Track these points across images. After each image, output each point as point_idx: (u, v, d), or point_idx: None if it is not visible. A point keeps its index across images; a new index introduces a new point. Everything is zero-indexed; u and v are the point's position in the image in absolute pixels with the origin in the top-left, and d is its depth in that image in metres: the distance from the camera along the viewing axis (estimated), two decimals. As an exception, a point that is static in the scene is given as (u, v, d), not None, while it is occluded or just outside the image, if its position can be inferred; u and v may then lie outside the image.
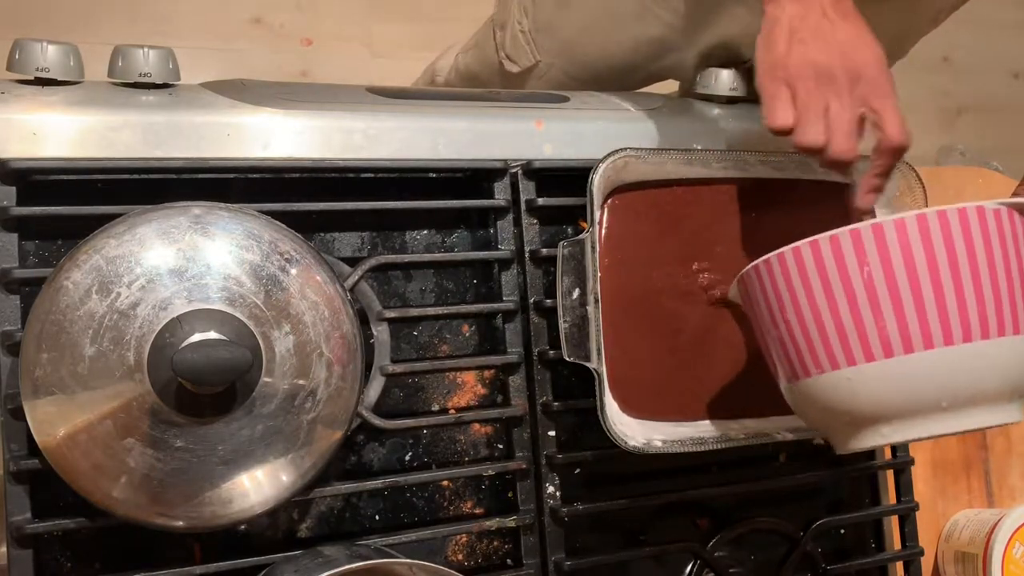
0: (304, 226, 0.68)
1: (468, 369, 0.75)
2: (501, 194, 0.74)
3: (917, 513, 0.87)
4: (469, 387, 0.75)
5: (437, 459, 0.74)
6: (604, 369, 0.71)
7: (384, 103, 0.75)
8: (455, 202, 0.75)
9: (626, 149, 0.73)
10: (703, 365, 0.79)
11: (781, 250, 0.66)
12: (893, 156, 0.71)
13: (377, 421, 0.69)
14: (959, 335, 0.62)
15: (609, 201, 0.76)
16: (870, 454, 0.86)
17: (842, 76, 0.69)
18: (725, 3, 0.88)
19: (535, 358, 0.74)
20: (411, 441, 0.73)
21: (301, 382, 0.62)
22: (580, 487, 0.77)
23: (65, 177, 0.65)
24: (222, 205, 0.63)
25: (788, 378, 0.69)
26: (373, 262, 0.70)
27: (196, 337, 0.58)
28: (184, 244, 0.60)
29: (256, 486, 0.62)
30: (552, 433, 0.75)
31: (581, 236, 0.72)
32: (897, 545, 0.88)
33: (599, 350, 0.70)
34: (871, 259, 0.62)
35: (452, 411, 0.74)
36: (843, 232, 0.63)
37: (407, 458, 0.73)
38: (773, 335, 0.68)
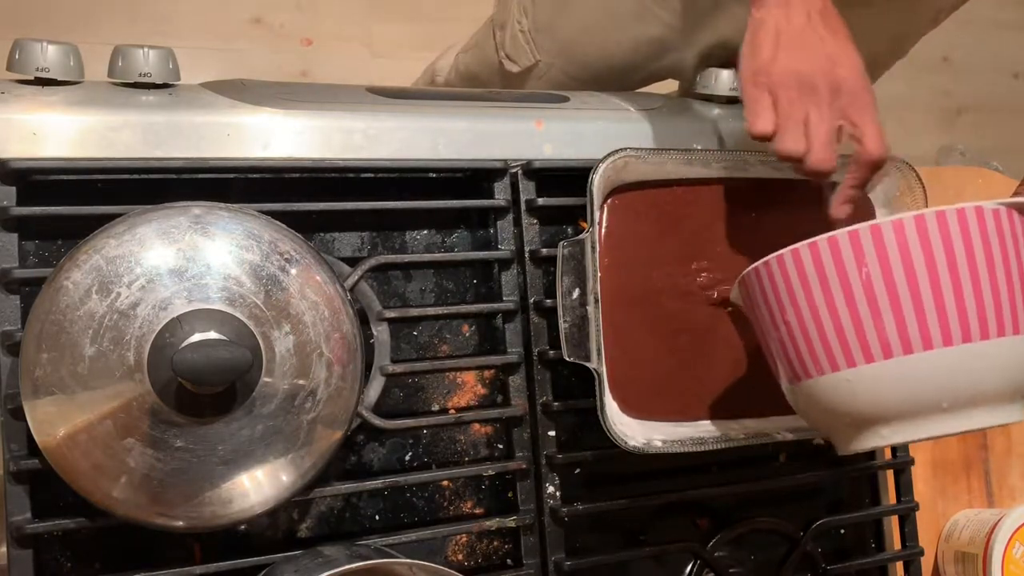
0: (304, 226, 0.68)
1: (468, 369, 0.75)
2: (501, 194, 0.74)
3: (917, 513, 0.87)
4: (469, 387, 0.75)
5: (437, 459, 0.74)
6: (604, 369, 0.71)
7: (384, 103, 0.75)
8: (455, 202, 0.75)
9: (626, 149, 0.73)
10: (703, 365, 0.79)
11: (780, 252, 0.66)
12: (870, 169, 0.72)
13: (377, 421, 0.69)
14: (958, 336, 0.62)
15: (609, 201, 0.76)
16: (870, 454, 0.86)
17: (824, 87, 0.70)
18: (724, 3, 0.88)
19: (535, 358, 0.74)
20: (411, 441, 0.73)
21: (301, 382, 0.62)
22: (580, 487, 0.77)
23: (65, 177, 0.65)
24: (222, 205, 0.63)
25: (789, 379, 0.69)
26: (373, 262, 0.70)
27: (196, 337, 0.58)
28: (184, 244, 0.60)
29: (256, 486, 0.62)
30: (552, 433, 0.75)
31: (581, 236, 0.72)
32: (897, 545, 0.88)
33: (599, 350, 0.70)
34: (869, 260, 0.62)
35: (452, 411, 0.74)
36: (841, 234, 0.63)
37: (407, 458, 0.73)
38: (774, 337, 0.68)
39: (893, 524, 0.88)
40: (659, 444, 0.73)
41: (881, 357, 0.63)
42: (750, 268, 0.69)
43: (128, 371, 0.58)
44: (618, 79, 0.99)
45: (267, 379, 0.61)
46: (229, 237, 0.61)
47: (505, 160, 0.75)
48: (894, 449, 0.87)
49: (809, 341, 0.65)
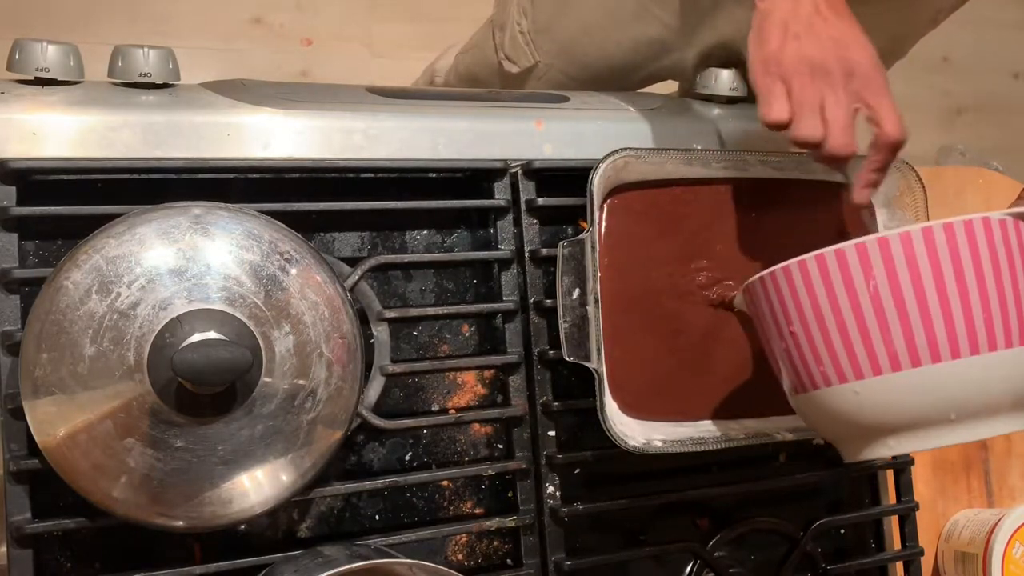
0: (304, 226, 0.68)
1: (468, 369, 0.75)
2: (501, 194, 0.74)
3: (917, 513, 0.87)
4: (469, 387, 0.75)
5: (437, 459, 0.74)
6: (604, 369, 0.71)
7: (384, 103, 0.75)
8: (455, 202, 0.75)
9: (626, 149, 0.73)
10: (703, 365, 0.79)
11: (786, 263, 0.65)
12: (890, 151, 0.71)
13: (377, 421, 0.69)
14: (966, 348, 0.61)
15: (609, 201, 0.76)
16: (870, 454, 0.86)
17: (837, 71, 0.69)
18: (723, 3, 0.88)
19: (535, 358, 0.74)
20: (411, 441, 0.73)
21: (301, 382, 0.62)
22: (580, 487, 0.77)
23: (65, 177, 0.65)
24: (222, 205, 0.63)
25: (795, 389, 0.68)
26: (373, 262, 0.70)
27: (196, 337, 0.58)
28: (184, 244, 0.60)
29: (256, 486, 0.62)
30: (552, 433, 0.75)
31: (581, 236, 0.72)
32: (897, 545, 0.88)
33: (599, 350, 0.70)
34: (877, 273, 0.62)
35: (452, 411, 0.74)
36: (848, 246, 0.63)
37: (407, 458, 0.73)
38: (779, 346, 0.68)
39: (893, 524, 0.88)
40: (659, 444, 0.73)
41: (889, 369, 0.62)
42: (755, 277, 0.68)
43: (128, 371, 0.58)
44: (618, 80, 0.99)
45: (267, 379, 0.61)
46: (229, 237, 0.61)
47: (505, 160, 0.75)
48: (894, 449, 0.87)
49: (816, 352, 0.65)
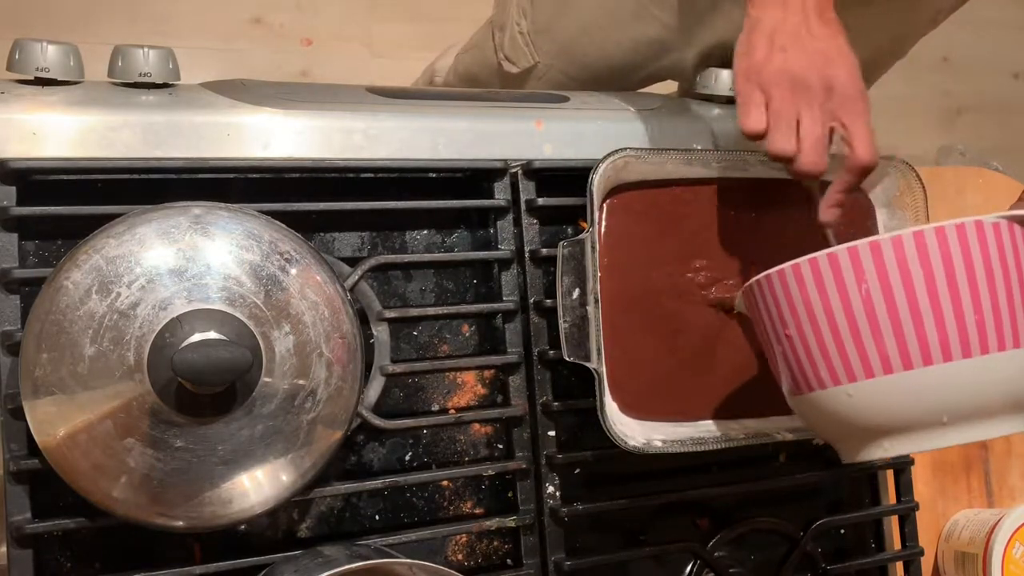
0: (304, 226, 0.68)
1: (468, 369, 0.75)
2: (501, 194, 0.74)
3: (917, 513, 0.87)
4: (469, 387, 0.75)
5: (437, 459, 0.74)
6: (604, 369, 0.71)
7: (384, 103, 0.75)
8: (455, 202, 0.75)
9: (626, 149, 0.73)
10: (703, 365, 0.79)
11: (781, 267, 0.66)
12: (858, 175, 0.71)
13: (377, 421, 0.69)
14: (958, 351, 0.62)
15: (609, 201, 0.76)
16: (870, 454, 0.86)
17: (817, 87, 0.69)
18: (722, 4, 0.88)
19: (535, 358, 0.74)
20: (411, 441, 0.73)
21: (301, 382, 0.62)
22: (580, 487, 0.77)
23: (65, 177, 0.65)
24: (222, 205, 0.63)
25: (792, 390, 0.69)
26: (373, 262, 0.70)
27: (196, 337, 0.58)
28: (184, 244, 0.60)
29: (256, 486, 0.62)
30: (552, 433, 0.75)
31: (581, 236, 0.72)
32: (897, 545, 0.88)
33: (599, 350, 0.70)
34: (869, 277, 0.62)
35: (452, 411, 0.74)
36: (841, 250, 0.63)
37: (407, 458, 0.73)
38: (776, 349, 0.68)
39: (893, 524, 0.88)
40: (659, 444, 0.73)
41: (881, 372, 0.63)
42: (752, 280, 0.69)
43: (128, 371, 0.58)
44: (618, 80, 0.99)
45: (267, 379, 0.61)
46: (229, 237, 0.61)
47: (505, 160, 0.75)
48: (894, 449, 0.87)
49: (810, 355, 0.65)
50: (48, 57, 0.65)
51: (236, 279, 0.60)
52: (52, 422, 0.59)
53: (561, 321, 0.71)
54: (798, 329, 0.65)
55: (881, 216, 0.84)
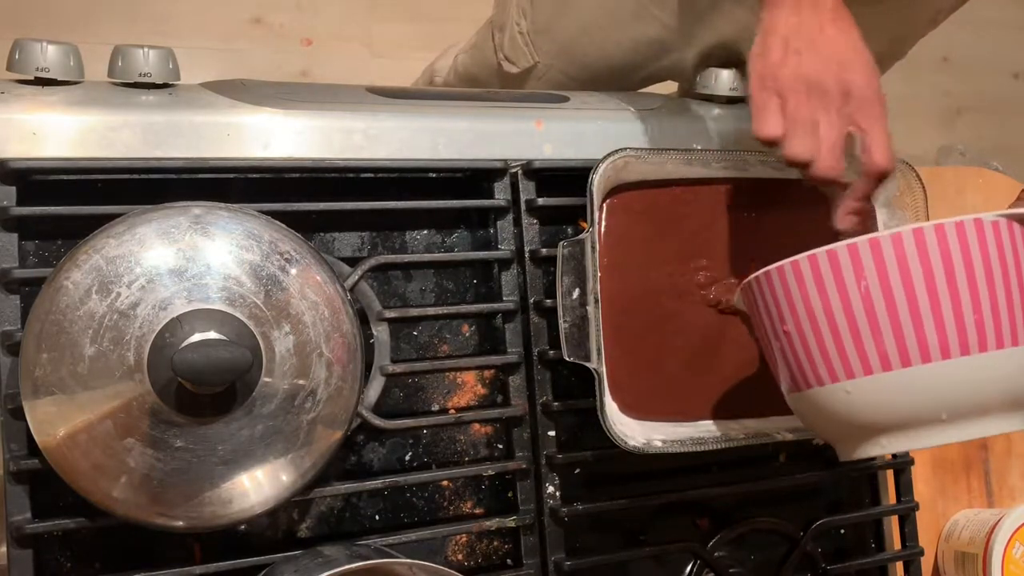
0: (304, 226, 0.68)
1: (468, 369, 0.75)
2: (501, 194, 0.74)
3: (917, 513, 0.87)
4: (469, 387, 0.75)
5: (437, 459, 0.74)
6: (604, 369, 0.71)
7: (384, 103, 0.75)
8: (455, 202, 0.75)
9: (626, 149, 0.73)
10: (703, 365, 0.79)
11: (780, 263, 0.66)
12: (875, 180, 0.70)
13: (377, 421, 0.69)
14: (957, 348, 0.62)
15: (609, 201, 0.76)
16: (870, 454, 0.86)
17: (834, 91, 0.68)
18: (722, 4, 0.88)
19: (535, 358, 0.74)
20: (411, 441, 0.73)
21: (301, 382, 0.62)
22: (580, 487, 0.77)
23: (65, 177, 0.65)
24: (222, 205, 0.63)
25: (790, 388, 0.69)
26: (373, 262, 0.70)
27: (196, 337, 0.58)
28: (184, 244, 0.60)
29: (256, 486, 0.62)
30: (552, 433, 0.75)
31: (581, 236, 0.72)
32: (897, 545, 0.88)
33: (599, 350, 0.70)
34: (868, 274, 0.62)
35: (452, 411, 0.74)
36: (840, 247, 0.63)
37: (407, 458, 0.73)
38: (775, 346, 0.68)
39: (893, 524, 0.88)
40: (659, 444, 0.73)
41: (880, 369, 0.63)
42: (751, 277, 0.69)
43: (128, 371, 0.58)
44: (617, 80, 0.99)
45: (267, 379, 0.61)
46: (229, 237, 0.61)
47: (505, 160, 0.75)
48: (894, 449, 0.87)
49: (808, 352, 0.65)
50: (48, 57, 0.65)
51: (236, 279, 0.60)
52: (52, 422, 0.59)
53: (561, 321, 0.71)
54: (796, 326, 0.65)
55: (881, 216, 0.84)
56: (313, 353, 0.62)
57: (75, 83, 0.67)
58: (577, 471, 0.77)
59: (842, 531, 0.87)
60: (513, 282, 0.75)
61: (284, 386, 0.61)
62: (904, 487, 0.87)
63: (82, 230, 0.61)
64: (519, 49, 1.05)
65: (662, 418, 0.76)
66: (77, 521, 0.62)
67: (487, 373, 0.75)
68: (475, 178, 0.76)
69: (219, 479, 0.61)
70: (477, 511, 0.75)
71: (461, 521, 0.73)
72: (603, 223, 0.76)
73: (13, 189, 0.63)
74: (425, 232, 0.75)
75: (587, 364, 0.71)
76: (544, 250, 0.74)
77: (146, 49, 0.67)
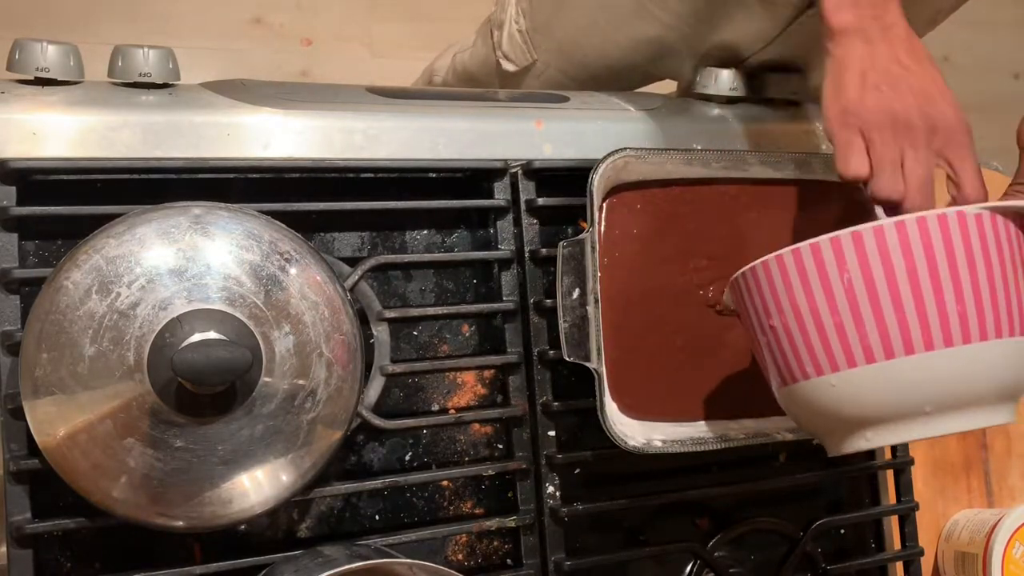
0: (304, 226, 0.68)
1: (468, 369, 0.75)
2: (501, 194, 0.74)
3: (917, 513, 0.87)
4: (469, 387, 0.75)
5: (437, 459, 0.74)
6: (604, 369, 0.71)
7: (384, 103, 0.75)
8: (455, 202, 0.75)
9: (626, 149, 0.73)
10: (703, 365, 0.79)
11: (764, 258, 0.66)
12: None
13: (377, 421, 0.69)
14: (940, 340, 0.61)
15: (609, 201, 0.76)
16: (870, 454, 0.86)
17: (920, 126, 0.67)
18: (724, 7, 0.88)
19: (535, 358, 0.74)
20: (411, 441, 0.73)
21: (301, 382, 0.62)
22: (580, 487, 0.77)
23: (65, 177, 0.65)
24: (222, 205, 0.63)
25: (777, 383, 0.69)
26: (373, 262, 0.70)
27: (196, 337, 0.58)
28: (184, 244, 0.60)
29: (256, 486, 0.62)
30: (552, 433, 0.75)
31: (581, 236, 0.72)
32: (897, 545, 0.88)
33: (599, 350, 0.70)
34: (851, 266, 0.62)
35: (452, 411, 0.74)
36: (824, 240, 0.63)
37: (407, 458, 0.73)
38: (761, 341, 0.68)
39: (893, 524, 0.88)
40: (659, 444, 0.73)
41: (863, 362, 0.63)
42: (738, 273, 0.69)
43: (128, 371, 0.58)
44: (616, 79, 0.99)
45: (267, 379, 0.61)
46: (229, 237, 0.61)
47: (505, 160, 0.75)
48: (894, 449, 0.87)
49: (794, 346, 0.65)
50: (48, 57, 0.65)
51: (236, 279, 0.60)
52: (52, 422, 0.59)
53: (561, 321, 0.71)
54: (782, 320, 0.65)
55: (881, 216, 0.84)
56: (313, 353, 0.62)
57: (75, 83, 0.67)
58: (577, 471, 0.77)
59: (842, 531, 0.87)
60: (513, 282, 0.75)
61: (284, 386, 0.61)
62: (904, 487, 0.87)
63: (82, 230, 0.61)
64: (517, 47, 1.04)
65: (662, 418, 0.76)
66: (77, 521, 0.62)
67: (487, 373, 0.75)
68: (475, 178, 0.76)
69: (219, 479, 0.61)
70: (477, 511, 0.75)
71: (461, 521, 0.73)
72: (603, 223, 0.76)
73: (13, 189, 0.63)
74: (425, 232, 0.75)
75: (587, 364, 0.71)
76: (544, 250, 0.74)
77: (146, 49, 0.67)
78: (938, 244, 0.62)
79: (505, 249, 0.74)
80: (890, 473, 0.87)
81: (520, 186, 0.75)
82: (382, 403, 0.71)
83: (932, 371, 0.62)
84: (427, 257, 0.74)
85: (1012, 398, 0.65)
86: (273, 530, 0.69)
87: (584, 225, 0.76)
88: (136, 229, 0.60)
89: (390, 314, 0.71)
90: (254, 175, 0.69)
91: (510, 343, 0.74)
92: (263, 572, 0.65)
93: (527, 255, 0.75)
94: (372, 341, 0.70)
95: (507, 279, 0.75)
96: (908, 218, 0.62)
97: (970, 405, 0.63)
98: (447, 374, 0.74)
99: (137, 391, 0.58)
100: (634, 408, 0.76)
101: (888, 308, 0.62)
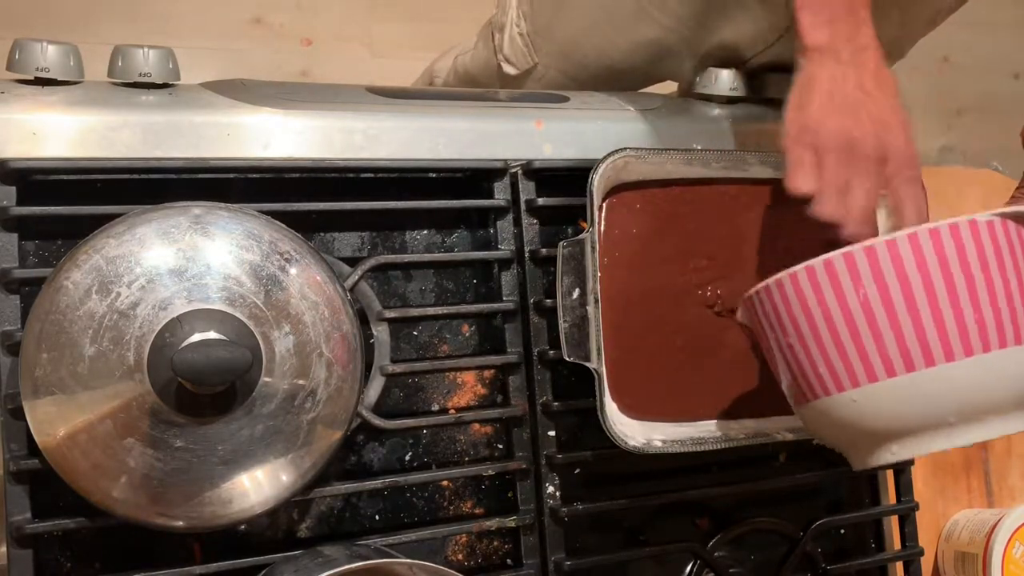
0: (304, 226, 0.68)
1: (468, 369, 0.75)
2: (501, 194, 0.74)
3: (917, 513, 0.87)
4: (469, 387, 0.75)
5: (437, 459, 0.74)
6: (604, 369, 0.71)
7: (384, 103, 0.75)
8: (455, 202, 0.75)
9: (626, 149, 0.73)
10: (703, 365, 0.79)
11: (778, 276, 0.65)
12: None
13: (377, 421, 0.69)
14: (960, 350, 0.61)
15: (609, 201, 0.76)
16: (870, 454, 0.86)
17: (872, 155, 0.68)
18: (725, 9, 0.88)
19: (535, 358, 0.74)
20: (411, 441, 0.73)
21: (301, 382, 0.62)
22: (580, 487, 0.77)
23: (65, 177, 0.65)
24: (222, 205, 0.63)
25: (797, 400, 0.69)
26: (373, 262, 0.70)
27: (196, 337, 0.58)
28: (184, 244, 0.60)
29: (256, 486, 0.62)
30: (552, 433, 0.75)
31: (581, 236, 0.72)
32: (897, 545, 0.88)
33: (599, 350, 0.70)
34: (866, 281, 0.62)
35: (452, 411, 0.74)
36: (837, 256, 0.63)
37: (407, 458, 0.73)
38: (779, 358, 0.68)
39: (893, 524, 0.88)
40: (659, 444, 0.73)
41: (884, 376, 0.62)
42: (751, 291, 0.68)
43: (128, 371, 0.58)
44: (616, 81, 0.99)
45: (267, 379, 0.61)
46: (229, 237, 0.61)
47: (505, 160, 0.75)
48: (894, 449, 0.87)
49: (813, 363, 0.65)
50: (48, 57, 0.65)
51: (236, 279, 0.60)
52: (52, 422, 0.59)
53: (561, 321, 0.71)
54: (799, 337, 0.65)
55: (881, 216, 0.84)
56: (313, 353, 0.62)
57: (75, 83, 0.67)
58: (577, 471, 0.77)
59: (842, 531, 0.87)
60: (513, 282, 0.75)
61: (284, 386, 0.61)
62: (904, 487, 0.87)
63: (82, 230, 0.61)
64: (518, 50, 1.05)
65: (662, 418, 0.76)
66: (77, 521, 0.62)
67: (487, 373, 0.75)
68: (475, 178, 0.76)
69: (219, 479, 0.61)
70: (477, 511, 0.75)
71: (461, 521, 0.73)
72: (603, 223, 0.76)
73: (13, 189, 0.63)
74: (425, 232, 0.75)
75: (587, 364, 0.71)
76: (544, 250, 0.74)
77: (146, 49, 0.67)
78: (951, 253, 0.62)
79: (505, 249, 0.74)
80: (890, 473, 0.87)
81: (520, 186, 0.75)
82: (382, 403, 0.71)
83: (954, 381, 0.62)
84: (427, 257, 0.74)
85: None
86: (273, 530, 0.69)
87: (584, 225, 0.76)
88: (136, 229, 0.60)
89: (390, 314, 0.71)
90: (254, 175, 0.69)
91: (510, 343, 0.74)
92: (263, 572, 0.65)
93: (527, 255, 0.75)
94: (372, 341, 0.70)
95: (507, 279, 0.75)
96: (921, 229, 0.62)
97: (994, 413, 0.63)
98: (447, 374, 0.74)
99: (137, 391, 0.58)
100: (634, 408, 0.76)
101: (906, 320, 0.62)
